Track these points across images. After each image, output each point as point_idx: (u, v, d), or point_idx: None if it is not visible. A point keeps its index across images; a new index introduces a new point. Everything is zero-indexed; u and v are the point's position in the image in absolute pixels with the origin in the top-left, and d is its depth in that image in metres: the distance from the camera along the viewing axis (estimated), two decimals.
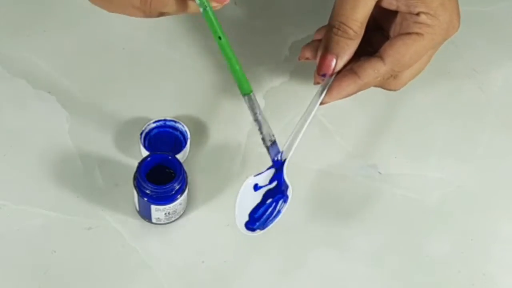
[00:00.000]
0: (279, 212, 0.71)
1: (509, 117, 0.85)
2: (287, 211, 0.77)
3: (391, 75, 0.73)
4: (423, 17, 0.71)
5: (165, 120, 0.80)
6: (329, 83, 0.73)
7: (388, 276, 0.76)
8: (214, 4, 0.66)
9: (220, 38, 0.67)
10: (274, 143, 0.71)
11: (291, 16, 0.89)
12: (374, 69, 0.72)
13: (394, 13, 0.74)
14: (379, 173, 0.81)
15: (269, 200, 0.71)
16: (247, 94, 0.69)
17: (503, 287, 0.76)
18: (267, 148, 0.71)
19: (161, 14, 0.67)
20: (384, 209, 0.79)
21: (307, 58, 0.76)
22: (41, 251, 0.75)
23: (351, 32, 0.71)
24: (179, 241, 0.76)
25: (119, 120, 0.81)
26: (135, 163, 0.74)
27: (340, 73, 0.73)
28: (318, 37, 0.75)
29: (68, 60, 0.84)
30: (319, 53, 0.73)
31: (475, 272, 0.76)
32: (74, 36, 0.86)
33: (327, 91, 0.72)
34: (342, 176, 0.80)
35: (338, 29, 0.71)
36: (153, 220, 0.76)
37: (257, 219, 0.71)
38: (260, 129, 0.70)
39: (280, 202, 0.71)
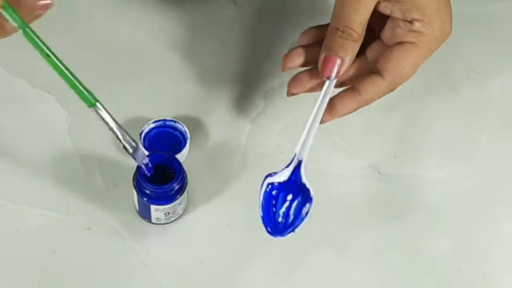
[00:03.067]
0: (306, 213, 0.71)
1: (508, 117, 0.85)
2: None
3: (391, 90, 0.72)
4: (417, 26, 0.70)
5: (164, 120, 0.80)
6: (332, 87, 0.71)
7: (388, 276, 0.76)
8: (39, 12, 0.62)
9: (48, 55, 0.64)
10: (137, 148, 0.69)
11: (291, 16, 0.89)
12: (374, 85, 0.71)
13: (386, 17, 0.72)
14: (379, 173, 0.81)
15: (289, 197, 0.71)
16: (92, 105, 0.66)
17: (503, 287, 0.76)
18: (132, 155, 0.69)
19: None
20: (384, 209, 0.79)
21: (290, 68, 0.74)
22: (41, 251, 0.75)
23: (355, 34, 0.70)
24: (179, 241, 0.76)
25: (119, 120, 0.81)
26: (135, 163, 0.74)
27: (342, 91, 0.72)
28: (305, 41, 0.74)
29: (68, 60, 0.84)
30: (321, 56, 0.71)
31: (474, 272, 0.76)
32: (74, 36, 0.86)
33: (329, 109, 0.71)
34: (342, 176, 0.80)
35: (343, 31, 0.70)
36: (153, 220, 0.76)
37: (282, 222, 0.71)
38: (118, 138, 0.68)
39: (297, 201, 0.71)
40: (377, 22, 0.72)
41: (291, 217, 0.71)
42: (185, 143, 0.79)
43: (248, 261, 0.76)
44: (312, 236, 0.77)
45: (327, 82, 0.71)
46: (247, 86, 0.84)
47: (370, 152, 0.82)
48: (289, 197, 0.71)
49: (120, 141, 0.69)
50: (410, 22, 0.70)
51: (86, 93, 0.66)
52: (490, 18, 0.90)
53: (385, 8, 0.71)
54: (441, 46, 0.75)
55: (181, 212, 0.77)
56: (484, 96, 0.85)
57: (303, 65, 0.74)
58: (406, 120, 0.84)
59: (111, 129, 0.68)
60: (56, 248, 0.75)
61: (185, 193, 0.75)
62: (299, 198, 0.71)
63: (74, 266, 0.74)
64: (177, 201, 0.74)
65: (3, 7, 0.59)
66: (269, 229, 0.70)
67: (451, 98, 0.85)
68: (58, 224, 0.76)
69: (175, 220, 0.77)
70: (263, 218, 0.70)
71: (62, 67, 0.65)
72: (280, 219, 0.71)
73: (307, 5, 0.89)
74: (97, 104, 0.67)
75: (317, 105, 0.71)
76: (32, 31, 0.62)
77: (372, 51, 0.73)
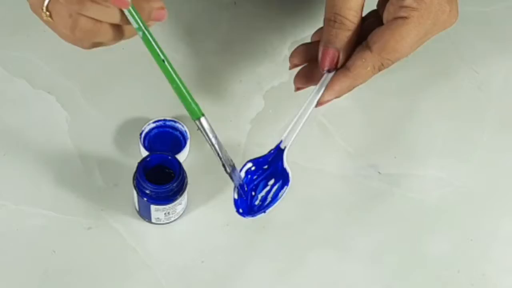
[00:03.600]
0: (281, 196, 0.71)
1: (508, 117, 0.85)
2: (287, 211, 0.77)
3: (382, 64, 0.70)
4: (408, 1, 0.68)
5: (164, 120, 0.80)
6: (327, 79, 0.71)
7: (388, 276, 0.76)
8: (150, 22, 0.62)
9: (163, 61, 0.63)
10: (234, 168, 0.69)
11: (291, 16, 0.89)
12: (361, 58, 0.69)
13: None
14: (379, 173, 0.81)
15: (270, 182, 0.71)
16: (197, 118, 0.66)
17: (502, 287, 0.76)
18: (229, 174, 0.69)
19: (95, 44, 0.63)
20: (384, 209, 0.79)
21: (296, 65, 0.74)
22: (41, 251, 0.75)
23: (347, 22, 0.70)
24: (179, 241, 0.76)
25: (119, 120, 0.82)
26: (135, 163, 0.74)
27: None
28: (316, 38, 0.74)
29: (68, 60, 0.84)
30: (320, 50, 0.71)
31: (474, 272, 0.76)
32: None
33: (324, 90, 0.71)
34: (342, 176, 0.80)
35: (335, 21, 0.70)
36: (153, 220, 0.76)
37: (258, 205, 0.71)
38: (218, 155, 0.68)
39: (277, 185, 0.71)
40: (381, 8, 0.72)
41: (268, 200, 0.71)
42: (185, 143, 0.79)
43: (248, 261, 0.76)
44: (312, 236, 0.77)
45: (325, 74, 0.71)
46: (247, 86, 0.84)
47: (370, 152, 0.81)
48: (271, 181, 0.72)
49: (220, 158, 0.68)
50: None
51: (193, 104, 0.65)
52: (490, 18, 0.90)
53: None
54: (441, 46, 0.74)
55: (181, 212, 0.77)
56: (484, 96, 0.85)
57: (308, 61, 0.73)
58: (406, 120, 0.84)
59: (212, 145, 0.67)
60: (56, 248, 0.75)
61: (185, 193, 0.75)
62: (280, 182, 0.72)
63: (74, 266, 0.74)
64: (177, 201, 0.74)
65: (130, 14, 0.60)
66: (240, 210, 0.71)
67: (451, 98, 0.85)
68: (58, 224, 0.76)
69: (175, 220, 0.77)
70: (237, 200, 0.71)
71: (174, 76, 0.64)
72: (257, 202, 0.72)
73: (307, 5, 0.89)
74: (202, 118, 0.66)
75: (310, 96, 0.71)
76: (151, 36, 0.62)
77: (372, 36, 0.71)
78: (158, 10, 0.62)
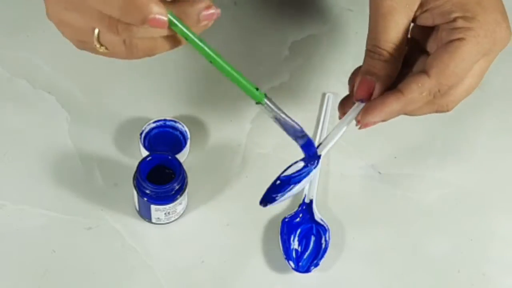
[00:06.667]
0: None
1: (508, 117, 0.85)
2: (287, 210, 0.77)
3: (439, 90, 0.66)
4: (460, 22, 0.65)
5: (165, 120, 0.80)
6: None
7: (388, 276, 0.76)
8: (202, 24, 0.59)
9: (216, 58, 0.61)
10: (305, 135, 0.67)
11: (291, 16, 0.89)
12: (418, 83, 0.66)
13: (431, 30, 0.69)
14: (379, 173, 0.81)
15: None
16: (260, 101, 0.64)
17: (502, 287, 0.76)
18: (302, 147, 0.67)
19: (150, 55, 0.62)
20: (384, 209, 0.79)
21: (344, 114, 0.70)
22: (41, 251, 0.75)
23: (385, 53, 0.67)
24: (179, 241, 0.76)
25: (119, 120, 0.82)
26: (135, 163, 0.74)
27: (385, 93, 0.68)
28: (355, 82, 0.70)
29: (68, 60, 0.84)
30: (358, 79, 0.68)
31: (474, 272, 0.76)
32: None
33: (369, 109, 0.67)
34: (342, 176, 0.80)
35: (374, 52, 0.67)
36: (153, 220, 0.76)
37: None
38: (289, 129, 0.66)
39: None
40: (427, 40, 0.69)
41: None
42: (185, 143, 0.79)
43: (248, 261, 0.76)
44: None
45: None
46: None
47: (370, 152, 0.82)
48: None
49: (291, 133, 0.66)
50: (453, 21, 0.66)
51: (254, 90, 0.63)
52: None
53: (425, 20, 0.68)
54: None
55: (181, 212, 0.77)
56: (484, 96, 0.85)
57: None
58: (406, 120, 0.83)
59: (281, 119, 0.65)
60: (56, 248, 0.75)
61: (185, 193, 0.75)
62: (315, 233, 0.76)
63: (74, 266, 0.74)
64: (177, 201, 0.74)
65: (172, 24, 0.58)
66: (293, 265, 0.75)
67: None
68: (58, 224, 0.76)
69: (175, 220, 0.77)
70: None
71: (229, 69, 0.61)
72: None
73: (307, 5, 0.89)
74: (265, 98, 0.64)
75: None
76: (197, 37, 0.59)
77: (418, 65, 0.69)
78: (206, 11, 0.58)
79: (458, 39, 0.65)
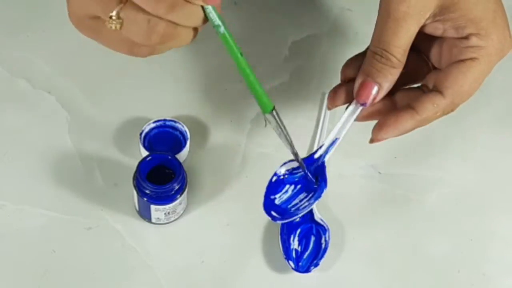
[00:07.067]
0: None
1: (508, 117, 0.85)
2: None
3: (452, 109, 0.68)
4: (474, 40, 0.65)
5: (164, 120, 0.80)
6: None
7: (388, 276, 0.76)
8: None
9: (241, 54, 0.62)
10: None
11: (291, 16, 0.89)
12: (433, 103, 0.66)
13: (436, 39, 0.69)
14: (379, 173, 0.81)
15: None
16: (269, 112, 0.65)
17: (502, 287, 0.76)
18: (300, 163, 0.69)
19: (162, 50, 0.61)
20: (384, 209, 0.79)
21: (336, 106, 0.71)
22: (41, 251, 0.75)
23: (394, 60, 0.66)
24: (179, 241, 0.76)
25: (119, 120, 0.82)
26: (135, 163, 0.74)
27: (398, 109, 0.68)
28: (348, 74, 0.70)
29: (68, 60, 0.84)
30: (358, 81, 0.68)
31: (474, 272, 0.76)
32: (74, 36, 0.86)
33: (383, 126, 0.68)
34: (342, 176, 0.80)
35: (381, 56, 0.66)
36: (153, 220, 0.76)
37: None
38: (290, 144, 0.67)
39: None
40: (427, 46, 0.69)
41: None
42: (185, 143, 0.79)
43: (248, 261, 0.76)
44: None
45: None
46: (247, 86, 0.84)
47: (370, 152, 0.81)
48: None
49: (292, 147, 0.67)
50: (466, 38, 0.66)
51: (265, 98, 0.64)
52: None
53: (435, 30, 0.67)
54: None
55: (181, 212, 0.77)
56: (484, 96, 0.85)
57: (348, 102, 0.70)
58: None
59: (285, 135, 0.66)
60: (56, 248, 0.75)
61: (185, 193, 0.75)
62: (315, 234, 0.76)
63: (74, 266, 0.74)
64: (177, 201, 0.74)
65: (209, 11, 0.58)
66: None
67: None
68: (58, 224, 0.76)
69: (175, 220, 0.77)
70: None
71: (249, 70, 0.62)
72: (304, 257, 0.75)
73: (307, 5, 0.89)
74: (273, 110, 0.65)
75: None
76: (228, 31, 0.61)
77: (427, 80, 0.69)
78: None
79: (471, 58, 0.66)
